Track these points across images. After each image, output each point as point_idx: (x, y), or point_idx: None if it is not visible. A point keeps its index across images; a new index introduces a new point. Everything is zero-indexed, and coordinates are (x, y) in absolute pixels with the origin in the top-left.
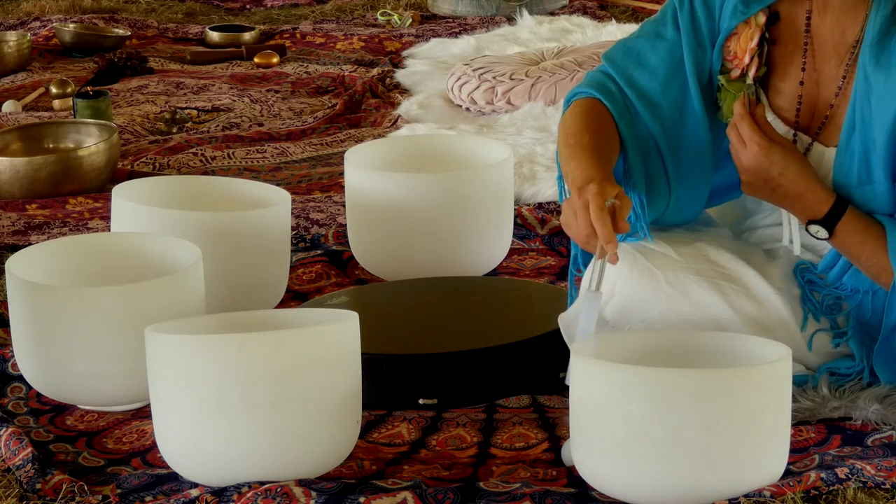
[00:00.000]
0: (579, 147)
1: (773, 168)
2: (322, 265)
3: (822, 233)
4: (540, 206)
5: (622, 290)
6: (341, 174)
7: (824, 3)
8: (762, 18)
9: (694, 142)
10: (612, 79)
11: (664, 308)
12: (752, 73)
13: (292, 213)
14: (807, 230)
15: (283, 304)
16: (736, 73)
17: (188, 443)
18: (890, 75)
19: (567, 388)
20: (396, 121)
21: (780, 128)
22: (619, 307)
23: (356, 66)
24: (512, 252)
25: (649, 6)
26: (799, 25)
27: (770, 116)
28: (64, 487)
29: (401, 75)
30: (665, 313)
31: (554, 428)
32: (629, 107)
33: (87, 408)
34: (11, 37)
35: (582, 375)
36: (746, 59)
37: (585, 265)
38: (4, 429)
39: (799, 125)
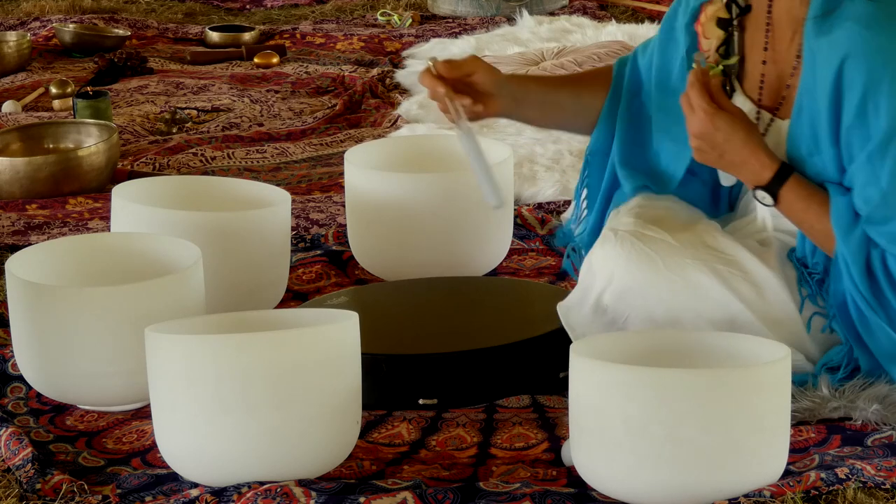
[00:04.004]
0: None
1: (719, 134)
2: (322, 265)
3: (768, 199)
4: (540, 206)
5: (621, 276)
6: (341, 174)
7: None
8: None
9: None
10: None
11: (664, 294)
12: (713, 45)
13: (292, 213)
14: (754, 196)
15: (283, 304)
16: (707, 55)
17: (188, 443)
18: (830, 42)
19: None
20: (396, 121)
21: (747, 108)
22: (618, 293)
23: (356, 67)
24: (512, 252)
25: (649, 6)
26: (765, 8)
27: (741, 100)
28: (64, 487)
29: (401, 75)
30: (664, 299)
31: (554, 428)
32: (632, 78)
33: (87, 408)
34: (11, 37)
35: (582, 375)
36: (707, 29)
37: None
38: (4, 429)
39: (762, 104)
